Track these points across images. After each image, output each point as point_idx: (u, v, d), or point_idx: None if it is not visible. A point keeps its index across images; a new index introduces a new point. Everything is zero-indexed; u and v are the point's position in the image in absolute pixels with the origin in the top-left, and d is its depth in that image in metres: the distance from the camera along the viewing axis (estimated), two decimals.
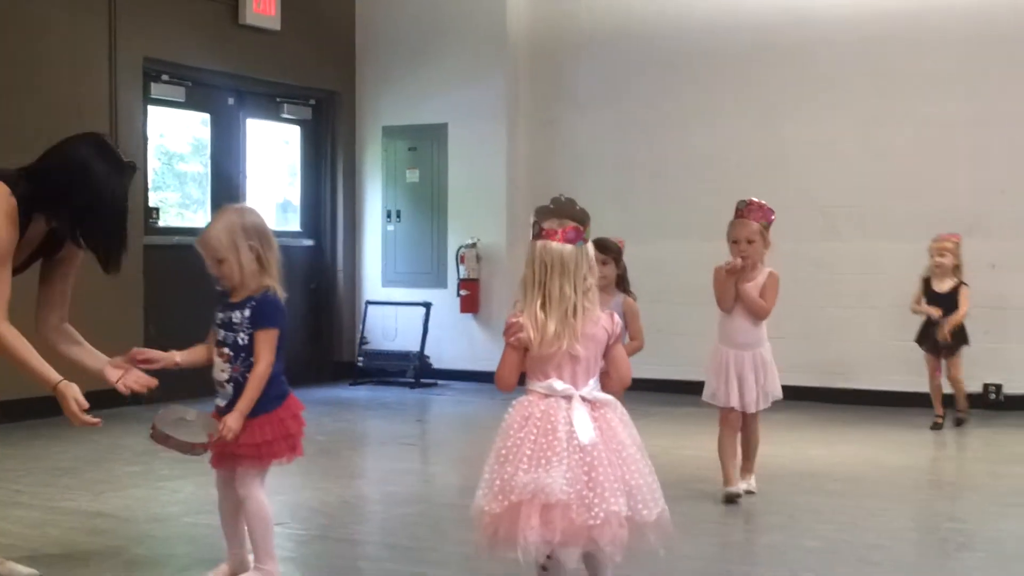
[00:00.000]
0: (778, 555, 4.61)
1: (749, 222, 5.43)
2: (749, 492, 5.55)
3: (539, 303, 3.51)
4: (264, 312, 3.93)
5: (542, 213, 3.57)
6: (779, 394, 5.61)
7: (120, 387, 3.92)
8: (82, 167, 3.92)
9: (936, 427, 7.77)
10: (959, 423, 7.90)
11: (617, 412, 3.56)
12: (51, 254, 4.10)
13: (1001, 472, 6.41)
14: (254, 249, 3.93)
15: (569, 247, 3.53)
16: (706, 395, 5.60)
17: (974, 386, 8.76)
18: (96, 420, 3.88)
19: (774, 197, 9.04)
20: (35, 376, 3.88)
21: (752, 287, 5.48)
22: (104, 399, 3.92)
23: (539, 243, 3.53)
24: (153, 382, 3.92)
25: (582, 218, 3.56)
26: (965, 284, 7.87)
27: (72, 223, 3.94)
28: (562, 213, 3.56)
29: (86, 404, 3.86)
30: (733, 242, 5.47)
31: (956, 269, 7.88)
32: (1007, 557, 4.60)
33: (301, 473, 5.57)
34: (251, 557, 4.10)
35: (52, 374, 3.87)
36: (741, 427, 5.57)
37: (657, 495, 3.48)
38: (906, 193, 9.00)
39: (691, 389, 9.16)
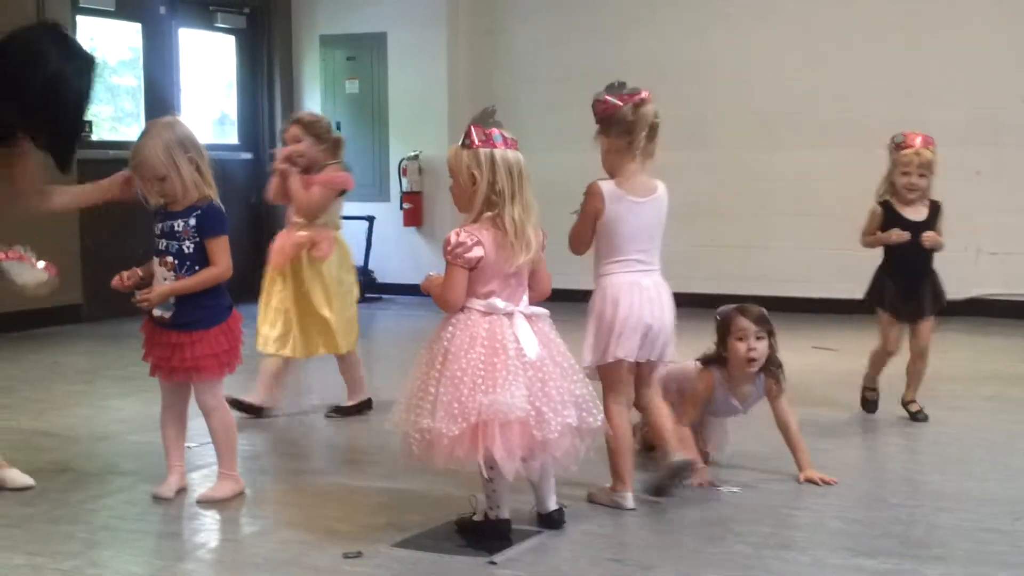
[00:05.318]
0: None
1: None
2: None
3: (518, 209, 3.46)
4: (212, 220, 3.91)
5: (487, 119, 3.52)
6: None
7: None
8: (39, 58, 3.81)
9: (870, 407, 5.46)
10: (917, 416, 5.30)
11: (548, 324, 3.60)
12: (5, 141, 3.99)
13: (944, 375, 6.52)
14: (193, 161, 3.88)
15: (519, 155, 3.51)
16: None
17: None
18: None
19: (710, 105, 9.19)
20: (95, 195, 4.13)
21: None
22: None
23: (493, 151, 3.46)
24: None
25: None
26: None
27: (26, 116, 3.85)
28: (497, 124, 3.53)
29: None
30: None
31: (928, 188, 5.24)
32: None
33: (245, 388, 5.53)
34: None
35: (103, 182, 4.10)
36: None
37: (597, 401, 3.58)
38: (840, 99, 9.01)
39: None
